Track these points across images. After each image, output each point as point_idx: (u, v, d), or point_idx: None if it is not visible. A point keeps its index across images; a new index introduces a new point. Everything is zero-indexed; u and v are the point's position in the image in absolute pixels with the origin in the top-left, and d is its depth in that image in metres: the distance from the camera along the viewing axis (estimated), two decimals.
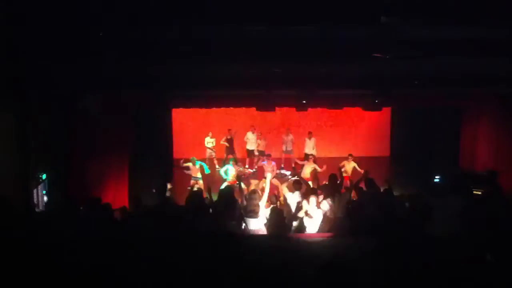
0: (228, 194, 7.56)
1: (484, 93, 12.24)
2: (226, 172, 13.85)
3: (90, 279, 4.14)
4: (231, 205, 7.56)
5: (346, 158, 14.06)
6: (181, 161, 14.41)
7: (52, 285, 4.18)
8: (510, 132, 12.37)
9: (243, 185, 9.18)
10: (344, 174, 13.47)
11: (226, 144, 16.79)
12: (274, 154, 15.36)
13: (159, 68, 9.14)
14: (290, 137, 16.84)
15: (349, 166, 14.00)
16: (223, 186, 11.61)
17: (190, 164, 14.13)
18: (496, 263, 4.91)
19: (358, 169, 13.39)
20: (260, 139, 16.75)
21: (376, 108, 11.99)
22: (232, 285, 3.79)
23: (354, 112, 17.15)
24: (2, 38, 6.31)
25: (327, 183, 9.29)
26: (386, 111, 17.02)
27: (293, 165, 16.48)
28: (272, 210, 7.36)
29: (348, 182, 10.94)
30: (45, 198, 11.30)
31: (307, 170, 13.94)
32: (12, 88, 8.80)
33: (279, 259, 4.88)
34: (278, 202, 9.90)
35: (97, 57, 6.98)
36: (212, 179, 15.00)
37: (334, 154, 17.04)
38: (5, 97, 9.02)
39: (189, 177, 14.15)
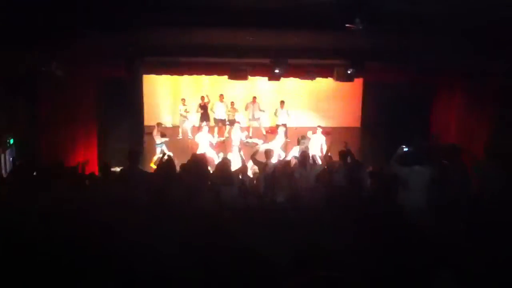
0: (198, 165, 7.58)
1: (454, 70, 12.42)
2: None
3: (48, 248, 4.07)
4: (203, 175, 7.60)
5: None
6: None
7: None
8: (477, 109, 12.64)
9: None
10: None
11: (201, 111, 16.72)
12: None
13: (128, 34, 8.96)
14: (257, 104, 16.86)
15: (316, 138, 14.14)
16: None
17: (154, 131, 14.11)
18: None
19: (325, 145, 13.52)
20: (232, 108, 16.69)
21: (348, 79, 12.04)
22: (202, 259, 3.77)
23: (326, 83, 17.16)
24: None
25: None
26: (358, 83, 17.09)
27: (264, 133, 16.56)
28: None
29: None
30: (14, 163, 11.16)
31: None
32: None
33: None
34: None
35: (64, 23, 6.79)
36: (178, 146, 15.05)
37: (304, 124, 17.15)
38: None
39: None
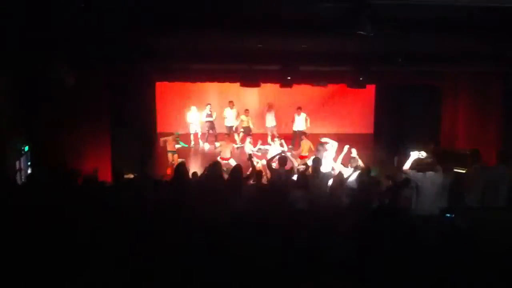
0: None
1: (460, 71, 12.40)
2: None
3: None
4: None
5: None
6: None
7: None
8: (485, 111, 12.59)
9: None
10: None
11: (210, 119, 16.82)
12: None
13: (141, 41, 9.07)
14: (273, 112, 16.91)
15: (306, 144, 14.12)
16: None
17: (169, 138, 14.22)
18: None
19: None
20: (247, 116, 16.74)
21: (360, 85, 12.03)
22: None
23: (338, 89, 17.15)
24: None
25: None
26: (371, 89, 17.05)
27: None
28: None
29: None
30: (29, 170, 11.33)
31: (305, 147, 14.10)
32: None
33: None
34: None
35: (74, 29, 6.87)
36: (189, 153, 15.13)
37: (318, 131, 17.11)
38: None
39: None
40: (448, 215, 7.91)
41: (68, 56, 9.64)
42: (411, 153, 7.77)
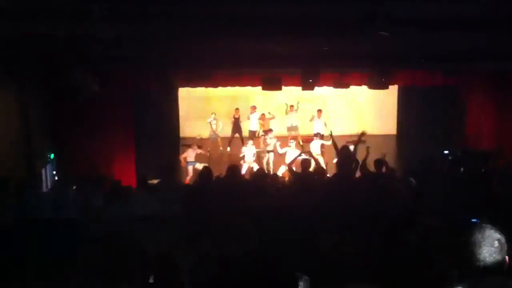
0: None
1: (482, 70, 12.24)
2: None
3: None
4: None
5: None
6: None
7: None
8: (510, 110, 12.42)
9: None
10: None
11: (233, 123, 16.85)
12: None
13: (163, 47, 9.15)
14: (295, 113, 16.87)
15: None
16: None
17: (188, 151, 14.25)
18: None
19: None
20: (263, 120, 16.76)
21: (382, 86, 11.95)
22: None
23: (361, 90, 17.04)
24: None
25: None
26: (393, 90, 16.90)
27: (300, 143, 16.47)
28: None
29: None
30: (56, 178, 11.55)
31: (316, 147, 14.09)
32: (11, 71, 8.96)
33: None
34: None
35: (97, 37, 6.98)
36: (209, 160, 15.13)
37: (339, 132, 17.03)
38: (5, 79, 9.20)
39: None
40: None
41: (91, 64, 9.81)
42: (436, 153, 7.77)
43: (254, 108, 16.87)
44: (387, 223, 4.94)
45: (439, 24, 6.50)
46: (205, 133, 16.82)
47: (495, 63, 10.80)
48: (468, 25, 6.55)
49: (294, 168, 9.18)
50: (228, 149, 16.81)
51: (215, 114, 16.75)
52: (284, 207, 5.78)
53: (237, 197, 6.94)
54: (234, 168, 8.39)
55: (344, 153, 9.56)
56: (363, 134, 9.51)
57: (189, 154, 14.16)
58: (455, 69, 11.44)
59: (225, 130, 17.05)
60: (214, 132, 16.71)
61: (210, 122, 16.59)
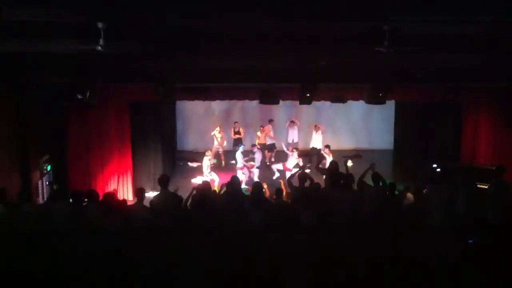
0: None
1: (480, 87, 12.31)
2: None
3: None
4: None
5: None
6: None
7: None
8: (506, 127, 12.46)
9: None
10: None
11: (236, 136, 16.86)
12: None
13: (160, 61, 9.16)
14: (295, 128, 16.93)
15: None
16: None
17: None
18: None
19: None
20: (261, 132, 16.78)
21: (379, 101, 11.97)
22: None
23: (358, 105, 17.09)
24: None
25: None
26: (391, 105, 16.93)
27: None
28: None
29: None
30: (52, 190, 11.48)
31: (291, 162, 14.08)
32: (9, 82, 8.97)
33: None
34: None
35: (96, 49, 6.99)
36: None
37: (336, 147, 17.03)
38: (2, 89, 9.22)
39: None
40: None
41: (89, 77, 9.84)
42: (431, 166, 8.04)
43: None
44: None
45: (439, 43, 6.56)
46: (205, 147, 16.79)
47: (495, 81, 10.87)
48: (469, 45, 6.63)
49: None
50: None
51: (219, 127, 16.80)
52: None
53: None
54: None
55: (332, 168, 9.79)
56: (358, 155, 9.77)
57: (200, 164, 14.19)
58: (454, 87, 11.49)
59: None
60: (220, 144, 16.72)
61: (214, 135, 16.63)
